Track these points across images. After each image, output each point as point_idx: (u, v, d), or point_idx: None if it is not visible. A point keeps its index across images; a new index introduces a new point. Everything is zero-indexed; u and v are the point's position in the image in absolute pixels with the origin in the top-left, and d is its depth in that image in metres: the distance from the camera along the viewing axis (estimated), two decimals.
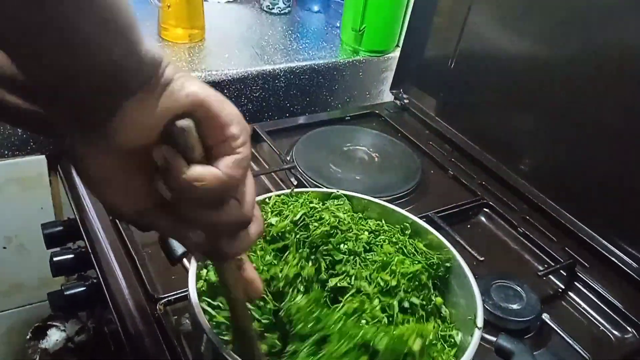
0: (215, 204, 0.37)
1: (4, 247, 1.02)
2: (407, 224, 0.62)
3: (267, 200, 0.62)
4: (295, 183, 0.91)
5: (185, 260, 0.54)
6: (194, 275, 0.51)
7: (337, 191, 0.65)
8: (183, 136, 0.35)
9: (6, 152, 0.94)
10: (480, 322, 0.51)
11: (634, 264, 0.82)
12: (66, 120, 0.35)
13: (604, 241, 0.86)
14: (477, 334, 0.50)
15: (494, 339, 0.65)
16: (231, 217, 0.38)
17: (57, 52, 0.29)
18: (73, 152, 0.36)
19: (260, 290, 0.48)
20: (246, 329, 0.48)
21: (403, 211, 0.64)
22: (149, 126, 0.34)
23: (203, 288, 0.54)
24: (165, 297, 0.67)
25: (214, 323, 0.51)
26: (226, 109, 0.37)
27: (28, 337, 0.95)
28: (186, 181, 0.35)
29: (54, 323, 0.93)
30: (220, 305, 0.52)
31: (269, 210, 0.61)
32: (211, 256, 0.44)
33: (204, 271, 0.55)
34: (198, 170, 0.35)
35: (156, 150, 0.35)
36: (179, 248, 0.56)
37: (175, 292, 0.67)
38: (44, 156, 0.98)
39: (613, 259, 0.84)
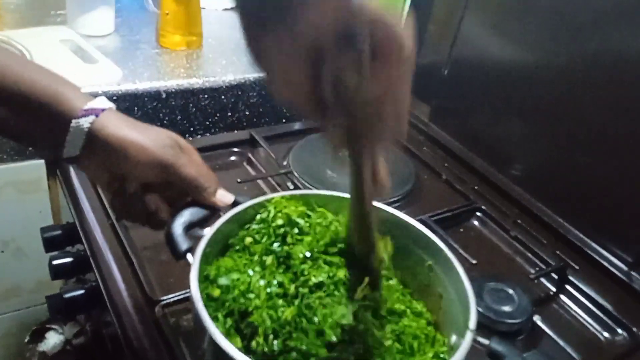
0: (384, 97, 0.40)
1: (2, 251, 1.03)
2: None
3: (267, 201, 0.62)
4: (291, 188, 0.92)
5: (189, 256, 0.55)
6: (197, 270, 0.52)
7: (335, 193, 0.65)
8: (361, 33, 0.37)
9: (5, 156, 0.95)
10: (472, 324, 0.52)
11: (624, 267, 0.84)
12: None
13: (594, 244, 0.87)
14: (469, 336, 0.51)
15: (486, 341, 0.66)
16: (394, 107, 0.41)
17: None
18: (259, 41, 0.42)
19: (389, 186, 0.49)
20: (371, 225, 0.51)
21: (400, 213, 0.65)
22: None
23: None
24: (164, 300, 0.67)
25: (216, 318, 0.52)
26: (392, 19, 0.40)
27: (26, 340, 0.95)
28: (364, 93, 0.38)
29: (52, 326, 0.93)
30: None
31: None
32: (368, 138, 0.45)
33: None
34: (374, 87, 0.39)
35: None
36: (183, 244, 0.56)
37: (174, 295, 0.68)
38: (42, 161, 0.99)
39: (603, 262, 0.85)
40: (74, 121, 0.51)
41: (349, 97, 0.38)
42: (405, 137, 0.45)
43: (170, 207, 0.59)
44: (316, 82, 0.39)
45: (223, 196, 0.59)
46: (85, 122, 0.51)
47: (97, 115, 0.52)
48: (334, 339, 0.49)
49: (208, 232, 0.56)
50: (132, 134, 0.53)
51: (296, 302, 0.52)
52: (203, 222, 0.59)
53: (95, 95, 0.55)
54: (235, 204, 0.60)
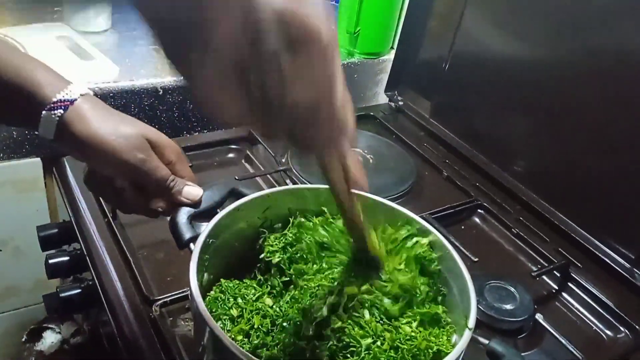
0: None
1: (0, 250, 1.02)
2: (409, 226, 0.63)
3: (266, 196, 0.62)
4: (290, 184, 0.91)
5: (192, 245, 0.55)
6: (196, 262, 0.52)
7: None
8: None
9: (1, 154, 0.94)
10: (472, 323, 0.51)
11: (627, 264, 0.83)
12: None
13: (597, 242, 0.86)
14: (467, 334, 0.50)
15: (486, 341, 0.65)
16: (330, 110, 0.40)
17: None
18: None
19: (365, 180, 0.49)
20: (355, 217, 0.51)
21: (402, 209, 0.64)
22: None
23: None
24: (160, 299, 0.67)
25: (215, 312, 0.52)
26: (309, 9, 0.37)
27: (23, 339, 0.95)
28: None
29: (50, 325, 0.93)
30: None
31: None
32: (313, 145, 0.44)
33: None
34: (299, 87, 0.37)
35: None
36: (187, 233, 0.57)
37: (170, 294, 0.67)
38: (39, 159, 0.98)
39: (606, 259, 0.84)
40: (44, 112, 0.51)
41: (277, 101, 0.37)
42: (354, 136, 0.44)
43: (138, 194, 0.57)
44: (247, 92, 0.38)
45: (188, 193, 0.58)
46: (54, 115, 0.51)
47: (65, 109, 0.51)
48: (308, 332, 0.50)
49: (209, 223, 0.56)
50: (101, 132, 0.52)
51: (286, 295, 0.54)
52: (208, 213, 0.59)
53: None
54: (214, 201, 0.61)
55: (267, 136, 0.43)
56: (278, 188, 0.64)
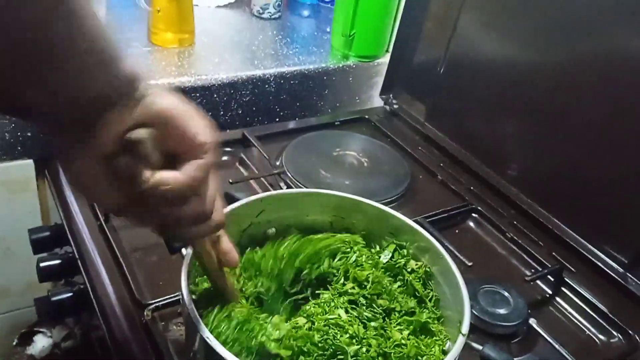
0: (180, 201, 0.43)
1: None
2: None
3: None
4: (284, 188, 0.91)
5: (183, 250, 0.55)
6: (187, 266, 0.52)
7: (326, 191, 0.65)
8: (139, 145, 0.39)
9: None
10: (465, 329, 0.51)
11: (620, 269, 0.83)
12: (51, 129, 0.40)
13: (590, 246, 0.86)
14: (461, 340, 0.50)
15: (480, 347, 0.65)
16: (193, 211, 0.44)
17: (48, 76, 0.35)
18: (64, 156, 0.41)
19: (236, 261, 0.53)
20: (224, 291, 0.54)
21: (395, 213, 0.64)
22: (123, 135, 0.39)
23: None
24: (153, 303, 0.66)
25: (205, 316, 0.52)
26: (193, 121, 0.42)
27: (14, 343, 0.94)
28: (151, 185, 0.40)
29: (41, 329, 0.92)
30: None
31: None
32: (181, 239, 0.52)
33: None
34: (161, 175, 0.40)
35: (117, 161, 0.39)
36: None
37: (163, 298, 0.67)
38: (31, 160, 0.97)
39: (599, 264, 0.84)
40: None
41: (146, 191, 0.40)
42: (221, 226, 0.48)
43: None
44: (119, 182, 0.41)
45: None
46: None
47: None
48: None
49: None
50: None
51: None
52: None
53: None
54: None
55: (141, 225, 0.47)
56: (271, 192, 0.64)
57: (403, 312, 0.57)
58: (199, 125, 0.42)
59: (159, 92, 0.41)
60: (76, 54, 0.35)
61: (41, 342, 0.90)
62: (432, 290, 0.60)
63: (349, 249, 0.62)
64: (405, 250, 0.62)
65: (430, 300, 0.59)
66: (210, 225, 0.47)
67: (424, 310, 0.58)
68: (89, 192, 0.44)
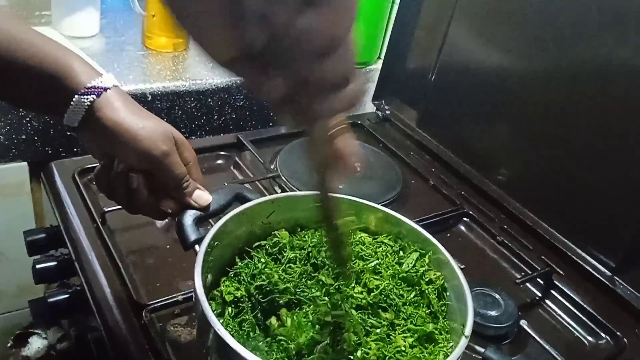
0: (326, 51, 0.34)
1: None
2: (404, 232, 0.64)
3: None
4: (279, 192, 0.92)
5: (197, 247, 0.55)
6: (201, 263, 0.52)
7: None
8: None
9: None
10: (468, 331, 0.52)
11: (608, 272, 0.85)
12: None
13: (579, 250, 0.88)
14: (463, 341, 0.51)
15: (482, 349, 0.67)
16: (336, 70, 0.36)
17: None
18: None
19: (353, 167, 0.44)
20: (331, 215, 0.47)
21: (400, 216, 0.65)
22: None
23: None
24: (150, 304, 0.67)
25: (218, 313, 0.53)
26: None
27: (9, 345, 0.93)
28: (297, 28, 0.32)
29: (36, 331, 0.92)
30: None
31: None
32: (298, 116, 0.39)
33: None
34: (309, 19, 0.32)
35: None
36: (192, 235, 0.57)
37: (160, 300, 0.67)
38: (25, 163, 0.97)
39: (588, 267, 0.86)
40: (76, 97, 0.53)
41: (280, 37, 0.31)
42: (360, 100, 0.39)
43: (149, 193, 0.59)
44: (242, 26, 0.32)
45: (199, 197, 0.60)
46: (86, 100, 0.53)
47: (98, 95, 0.54)
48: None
49: (215, 226, 0.57)
50: (129, 120, 0.54)
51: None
52: (214, 216, 0.61)
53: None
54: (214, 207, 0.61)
55: (259, 90, 0.37)
56: (283, 194, 0.64)
57: (410, 321, 0.56)
58: None
59: None
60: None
61: (36, 344, 0.90)
62: (445, 303, 0.59)
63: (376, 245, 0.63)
64: (427, 258, 0.61)
65: (441, 313, 0.58)
66: (349, 97, 0.38)
67: (435, 321, 0.57)
68: (202, 36, 0.36)
